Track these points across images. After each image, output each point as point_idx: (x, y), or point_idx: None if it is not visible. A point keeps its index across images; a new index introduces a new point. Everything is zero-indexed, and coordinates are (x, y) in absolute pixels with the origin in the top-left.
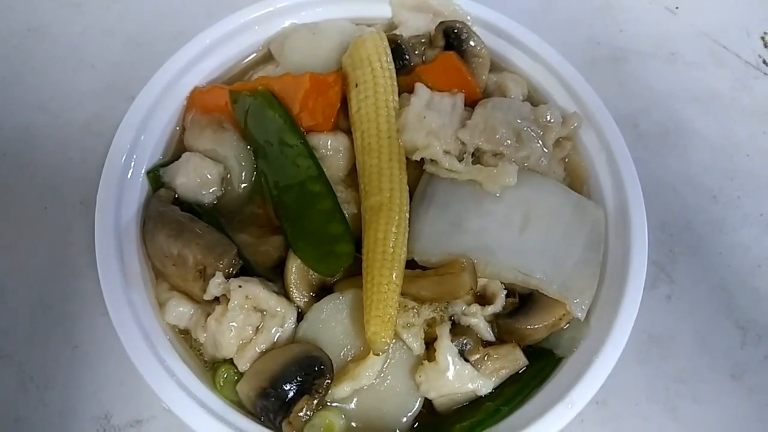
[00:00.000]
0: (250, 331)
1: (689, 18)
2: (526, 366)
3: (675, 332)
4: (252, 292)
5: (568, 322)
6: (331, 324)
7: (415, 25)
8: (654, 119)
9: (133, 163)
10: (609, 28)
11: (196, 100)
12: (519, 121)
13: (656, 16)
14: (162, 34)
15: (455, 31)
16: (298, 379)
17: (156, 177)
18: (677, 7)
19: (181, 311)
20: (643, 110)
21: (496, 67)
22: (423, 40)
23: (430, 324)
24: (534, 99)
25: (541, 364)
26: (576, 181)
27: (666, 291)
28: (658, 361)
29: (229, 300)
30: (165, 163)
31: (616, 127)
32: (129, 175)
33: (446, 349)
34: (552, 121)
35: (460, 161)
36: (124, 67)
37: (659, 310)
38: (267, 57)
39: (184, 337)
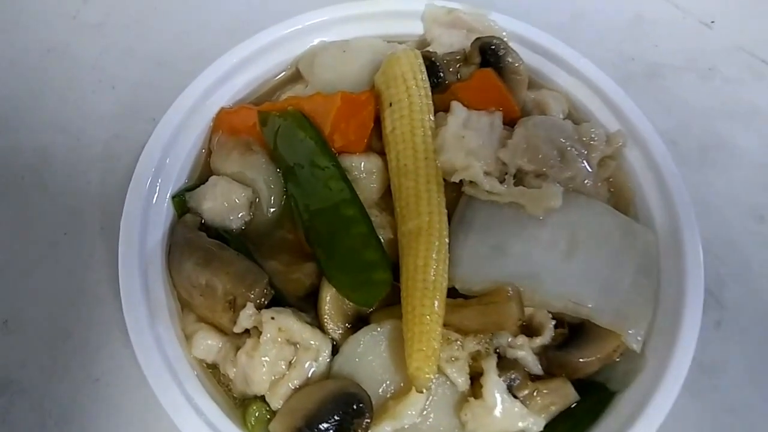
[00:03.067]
0: (283, 366)
1: (725, 32)
2: (577, 401)
3: (726, 361)
4: (285, 324)
5: (621, 354)
6: (368, 358)
7: (449, 41)
8: (693, 136)
9: (158, 188)
10: (642, 43)
11: (222, 121)
12: (562, 140)
13: (691, 30)
14: (183, 54)
15: (492, 47)
16: (336, 418)
17: (182, 202)
18: (713, 21)
19: (209, 344)
20: (681, 127)
21: (532, 84)
22: (458, 57)
23: (475, 357)
24: (573, 117)
25: (594, 400)
26: (621, 202)
27: (715, 317)
28: (708, 392)
29: (260, 333)
30: (191, 188)
31: (663, 144)
32: (154, 200)
33: (494, 385)
34: (596, 139)
35: (501, 183)
36: (144, 88)
37: (708, 337)
38: (296, 76)
39: (212, 371)
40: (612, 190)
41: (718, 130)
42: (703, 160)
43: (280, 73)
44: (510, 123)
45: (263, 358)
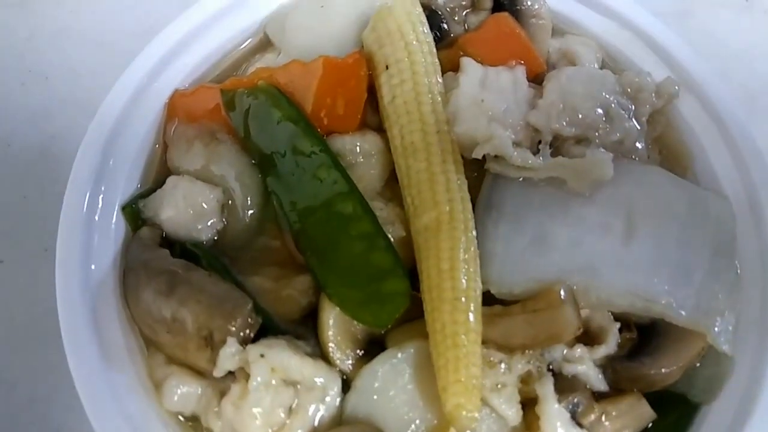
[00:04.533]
0: (282, 415)
1: None
2: (654, 420)
3: None
4: (279, 361)
5: (702, 357)
6: (389, 393)
7: None
8: (735, 81)
9: (101, 198)
10: None
11: (177, 106)
12: (605, 94)
13: None
14: (127, 30)
15: None
16: None
17: (134, 213)
18: None
19: (185, 392)
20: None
21: (555, 30)
22: (463, 3)
23: (525, 380)
24: (609, 66)
25: (674, 417)
26: (676, 166)
27: None
28: None
29: (248, 375)
30: (145, 194)
31: (726, 90)
32: (97, 216)
33: (554, 416)
34: (645, 89)
35: (534, 154)
36: (83, 74)
37: None
38: (264, 43)
39: (193, 425)
40: (662, 152)
41: (762, 72)
42: (750, 108)
43: (244, 42)
44: (534, 80)
45: (255, 410)
